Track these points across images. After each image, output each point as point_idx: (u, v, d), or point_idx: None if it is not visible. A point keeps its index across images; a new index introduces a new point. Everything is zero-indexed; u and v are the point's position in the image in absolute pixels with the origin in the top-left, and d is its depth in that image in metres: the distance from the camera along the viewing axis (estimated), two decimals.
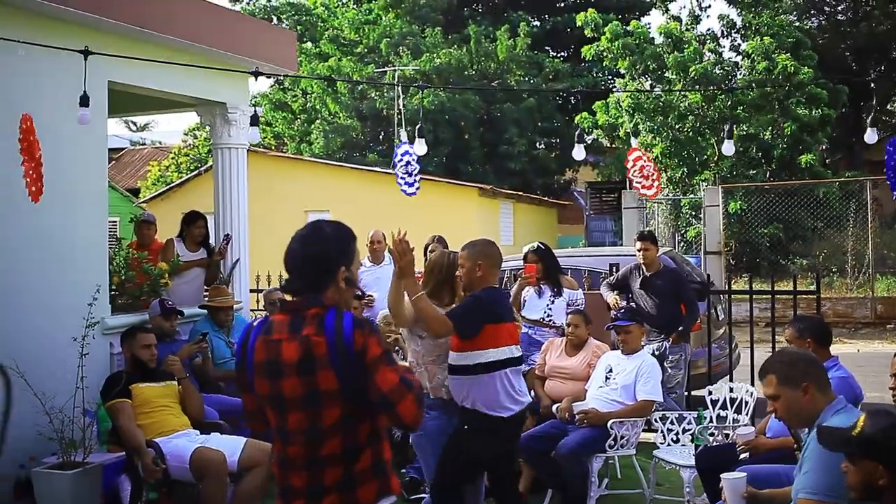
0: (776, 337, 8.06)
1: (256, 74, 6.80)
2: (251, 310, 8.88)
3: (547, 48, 33.29)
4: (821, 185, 19.17)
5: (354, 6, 32.66)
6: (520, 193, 23.51)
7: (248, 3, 30.48)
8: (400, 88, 25.51)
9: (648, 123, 20.85)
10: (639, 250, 8.19)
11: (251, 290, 8.91)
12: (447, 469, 4.91)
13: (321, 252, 3.00)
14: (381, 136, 27.74)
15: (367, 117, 26.75)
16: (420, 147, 7.26)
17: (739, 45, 23.06)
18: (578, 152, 7.52)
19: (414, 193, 7.70)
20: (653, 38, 22.57)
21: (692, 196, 20.23)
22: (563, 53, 33.92)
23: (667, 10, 24.20)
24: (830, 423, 3.50)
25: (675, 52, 20.79)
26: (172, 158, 26.61)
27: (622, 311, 6.98)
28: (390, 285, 4.76)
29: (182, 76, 7.63)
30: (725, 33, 23.50)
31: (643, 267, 8.20)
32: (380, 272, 8.95)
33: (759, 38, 21.02)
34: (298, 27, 29.68)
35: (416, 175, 7.51)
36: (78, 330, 6.13)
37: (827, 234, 19.29)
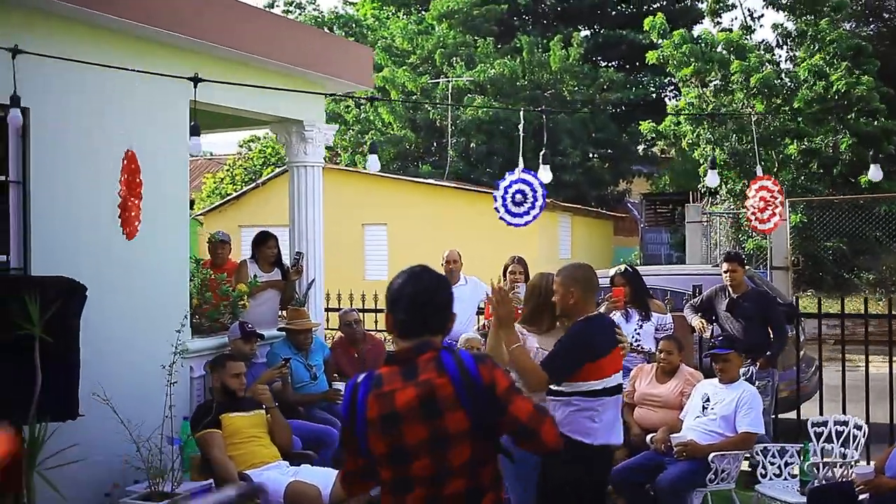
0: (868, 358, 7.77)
1: (345, 97, 6.64)
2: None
3: (597, 59, 33.04)
4: (883, 202, 18.74)
5: (405, 17, 32.63)
6: (577, 206, 23.24)
7: (298, 15, 30.53)
8: (450, 99, 25.45)
9: (709, 135, 20.50)
10: (725, 272, 7.93)
11: (325, 310, 8.78)
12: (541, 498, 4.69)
13: (441, 298, 2.98)
14: (433, 147, 27.64)
15: (420, 128, 26.65)
16: (546, 174, 7.13)
17: (795, 54, 22.60)
18: (712, 179, 7.34)
19: (523, 225, 7.40)
20: (718, 45, 22.22)
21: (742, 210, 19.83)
22: (613, 63, 33.65)
23: (718, 23, 23.79)
24: None
25: (738, 61, 20.41)
26: (227, 170, 26.68)
27: (720, 338, 6.72)
28: (490, 334, 4.58)
29: (261, 94, 7.52)
30: (781, 42, 23.03)
31: (730, 289, 7.94)
32: (456, 292, 8.70)
33: (813, 54, 20.58)
34: (350, 38, 29.67)
35: (531, 205, 7.24)
36: (161, 355, 6.02)
37: (893, 247, 18.81)
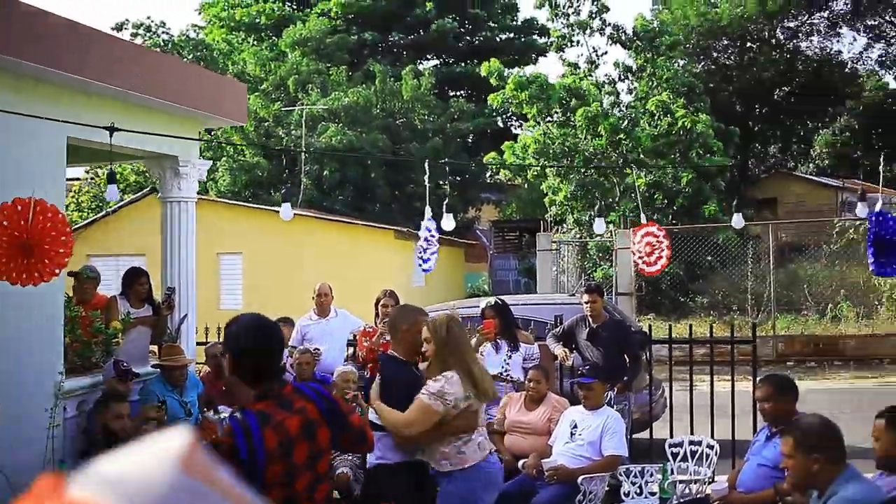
0: (714, 379, 8.42)
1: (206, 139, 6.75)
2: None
3: (446, 88, 33.85)
4: (720, 231, 20.04)
5: (256, 43, 32.50)
6: None
7: (148, 38, 29.92)
8: (304, 127, 25.51)
9: (554, 167, 21.40)
10: (586, 302, 8.42)
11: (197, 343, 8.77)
12: None
13: (282, 340, 3.76)
14: (285, 175, 27.58)
15: (273, 155, 26.59)
16: (448, 223, 7.50)
17: (635, 87, 23.89)
18: (599, 226, 7.79)
19: (428, 270, 7.88)
20: (553, 85, 23.21)
21: (599, 238, 20.80)
22: (461, 93, 34.56)
23: (564, 59, 24.89)
24: (845, 491, 3.75)
25: (581, 105, 21.42)
26: (72, 196, 25.74)
27: (586, 367, 7.17)
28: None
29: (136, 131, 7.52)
30: (622, 77, 24.33)
31: (590, 318, 8.44)
32: (326, 325, 8.95)
33: (652, 90, 21.85)
34: (200, 63, 29.28)
35: (431, 251, 7.57)
36: (35, 396, 5.95)
37: (725, 274, 20.11)
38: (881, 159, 23.37)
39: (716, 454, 6.57)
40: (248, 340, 3.41)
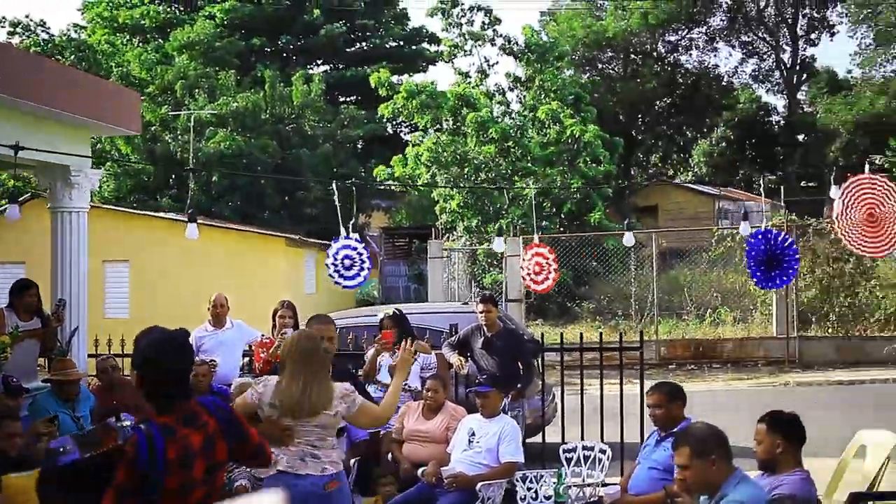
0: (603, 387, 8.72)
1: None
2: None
3: (336, 94, 33.82)
4: (608, 238, 20.66)
5: (141, 45, 31.78)
6: (323, 242, 23.63)
7: (26, 38, 28.91)
8: (192, 132, 25.09)
9: (445, 175, 21.66)
10: (481, 312, 8.60)
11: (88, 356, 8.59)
12: None
13: (188, 359, 3.67)
14: (171, 180, 27.06)
15: (159, 160, 26.05)
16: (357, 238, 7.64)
17: (524, 96, 24.38)
18: (498, 245, 7.92)
19: (359, 285, 7.94)
20: (444, 93, 23.49)
21: (488, 245, 21.15)
22: (351, 99, 34.58)
23: (456, 67, 25.25)
24: (735, 493, 4.01)
25: (472, 112, 21.75)
26: None
27: (484, 376, 7.34)
28: (397, 385, 5.08)
29: (26, 138, 7.35)
30: (512, 87, 24.81)
31: (484, 328, 8.63)
32: (222, 336, 8.88)
33: (541, 100, 22.36)
34: (82, 63, 28.46)
35: (360, 267, 7.60)
36: None
37: (610, 280, 20.73)
38: (761, 175, 24.42)
39: (608, 458, 6.83)
40: (155, 356, 3.46)
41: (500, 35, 23.56)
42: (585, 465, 6.96)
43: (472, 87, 23.02)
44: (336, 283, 7.94)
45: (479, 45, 23.56)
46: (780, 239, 7.69)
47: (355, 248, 7.76)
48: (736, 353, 16.75)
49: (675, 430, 5.87)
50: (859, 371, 15.45)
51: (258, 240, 18.91)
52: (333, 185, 8.29)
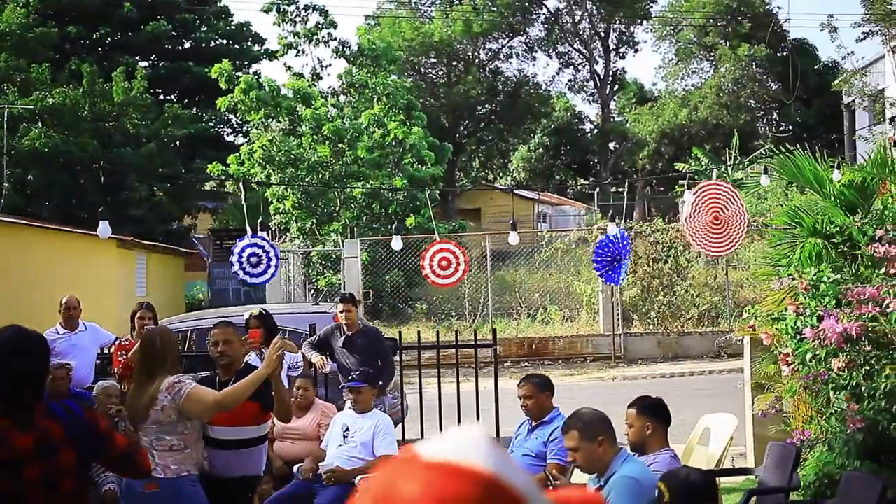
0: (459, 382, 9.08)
1: None
2: None
3: (158, 91, 32.80)
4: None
5: None
6: (154, 244, 22.96)
7: None
8: (5, 128, 23.72)
9: (280, 175, 21.55)
10: (342, 311, 8.77)
11: None
12: None
13: (42, 357, 3.57)
14: None
15: None
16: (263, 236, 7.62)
17: (354, 101, 24.58)
18: (396, 243, 7.95)
19: (266, 282, 7.84)
20: (279, 90, 23.36)
21: (323, 247, 21.20)
22: (173, 97, 33.66)
23: (289, 67, 25.13)
24: (622, 470, 4.38)
25: (307, 108, 21.74)
26: None
27: (358, 373, 7.51)
28: (253, 378, 4.93)
29: None
30: (345, 90, 24.95)
31: (345, 327, 8.80)
32: (75, 339, 8.68)
33: (373, 105, 22.66)
34: None
35: (267, 264, 7.51)
36: None
37: None
38: (575, 180, 25.63)
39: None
40: (9, 354, 3.41)
41: (335, 38, 23.67)
42: None
43: (308, 86, 23.00)
44: (242, 280, 7.96)
45: (314, 46, 23.57)
46: (623, 239, 8.27)
47: (262, 246, 7.75)
48: (566, 350, 17.58)
49: (546, 418, 6.28)
50: (679, 364, 16.59)
51: (89, 242, 18.14)
52: (240, 185, 8.17)
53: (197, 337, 9.43)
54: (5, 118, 23.72)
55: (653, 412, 5.15)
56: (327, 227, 21.40)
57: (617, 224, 7.81)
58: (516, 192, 39.21)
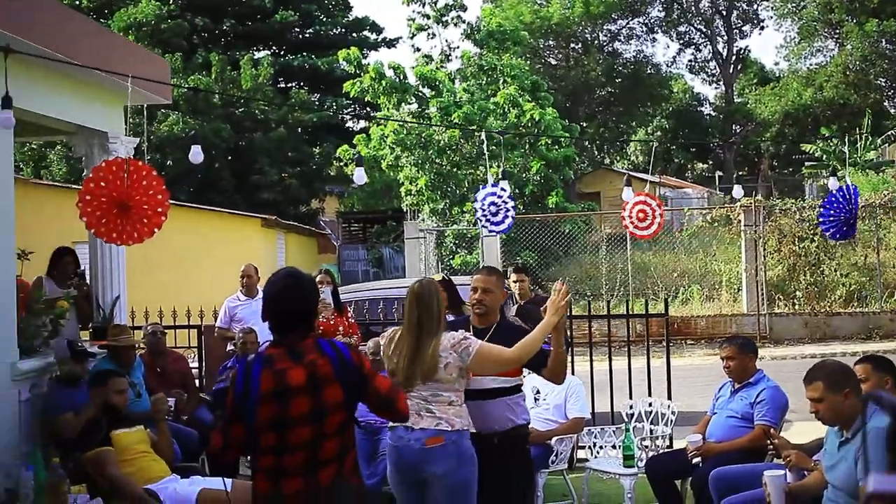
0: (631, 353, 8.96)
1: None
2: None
3: (281, 80, 33.48)
4: (564, 222, 21.03)
5: None
6: (293, 224, 23.53)
7: None
8: (145, 114, 24.50)
9: (411, 157, 21.69)
10: (515, 281, 8.77)
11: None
12: None
13: (317, 296, 3.73)
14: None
15: None
16: (506, 186, 7.87)
17: (482, 83, 24.50)
18: (360, 176, 7.69)
19: (506, 230, 8.03)
20: (405, 74, 23.49)
21: (457, 227, 21.27)
22: (293, 85, 34.27)
23: (417, 49, 25.23)
24: (875, 421, 4.22)
25: (435, 95, 21.84)
26: None
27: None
28: (542, 328, 4.75)
29: (64, 101, 7.21)
30: (472, 73, 24.91)
31: (517, 296, 8.80)
32: (255, 305, 8.84)
33: (498, 88, 22.56)
34: None
35: (505, 213, 7.65)
36: None
37: (579, 260, 21.10)
38: (695, 163, 25.06)
39: (673, 414, 7.04)
40: (279, 293, 3.58)
41: (464, 21, 23.73)
42: (647, 420, 7.16)
43: (435, 70, 23.09)
44: (484, 228, 8.11)
45: (443, 28, 23.67)
46: (853, 193, 7.97)
47: (500, 196, 7.82)
48: (709, 330, 17.23)
49: (751, 380, 6.14)
50: (828, 346, 16.05)
51: (235, 220, 18.79)
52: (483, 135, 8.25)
53: (369, 306, 9.60)
54: (145, 106, 24.51)
55: (889, 367, 4.97)
56: (459, 207, 21.44)
57: (839, 177, 7.53)
58: (636, 175, 38.62)
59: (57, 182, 21.79)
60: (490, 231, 8.21)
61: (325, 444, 3.44)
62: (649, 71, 41.54)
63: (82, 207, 5.70)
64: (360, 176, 7.37)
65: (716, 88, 46.09)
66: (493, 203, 8.01)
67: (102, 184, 5.68)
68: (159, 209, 5.88)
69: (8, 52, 5.46)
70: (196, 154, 6.94)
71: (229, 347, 8.58)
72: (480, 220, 8.15)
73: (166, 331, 8.14)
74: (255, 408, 3.41)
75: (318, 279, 8.34)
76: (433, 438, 4.42)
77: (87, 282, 7.97)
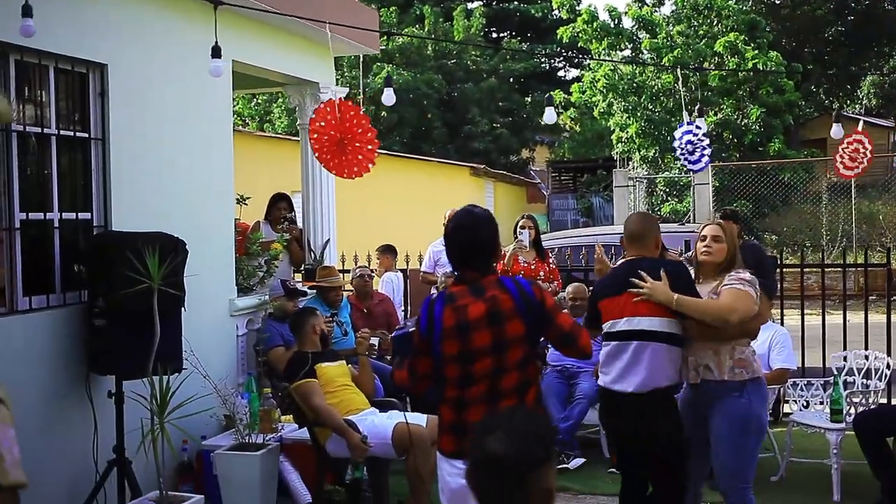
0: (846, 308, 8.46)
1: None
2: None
3: (492, 29, 33.55)
4: (786, 169, 20.00)
5: None
6: (502, 173, 23.77)
7: None
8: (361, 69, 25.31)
9: (623, 103, 21.27)
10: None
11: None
12: None
13: (493, 233, 3.67)
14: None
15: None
16: (702, 123, 7.83)
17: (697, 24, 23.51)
18: (549, 115, 7.51)
19: (702, 169, 8.09)
20: (620, 17, 22.94)
21: (668, 174, 20.75)
22: (504, 34, 34.25)
23: None
24: None
25: (648, 37, 21.23)
26: None
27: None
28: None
29: (278, 53, 7.57)
30: (687, 16, 23.97)
31: None
32: None
33: (713, 27, 21.56)
34: None
35: (701, 151, 7.69)
36: (213, 312, 6.16)
37: (798, 209, 20.07)
38: None
39: (888, 368, 6.63)
40: (453, 230, 3.67)
41: None
42: (860, 374, 6.78)
43: (651, 13, 22.43)
44: (683, 164, 8.09)
45: None
46: None
47: (696, 134, 7.71)
48: None
49: None
50: None
51: (443, 169, 19.20)
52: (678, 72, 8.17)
53: (572, 252, 9.59)
54: (361, 58, 25.32)
55: None
56: (671, 154, 20.85)
57: None
58: (868, 119, 36.07)
59: (278, 134, 22.96)
60: (690, 168, 7.98)
61: (506, 377, 3.51)
62: (887, 6, 38.27)
63: (314, 146, 6.26)
64: (549, 115, 7.37)
65: None
66: (689, 141, 7.76)
67: (321, 123, 6.15)
68: (370, 146, 6.34)
69: (218, 3, 5.79)
70: (388, 97, 7.10)
71: (433, 291, 8.82)
72: (679, 159, 7.94)
73: (373, 273, 8.46)
74: (440, 343, 3.54)
75: (520, 224, 8.42)
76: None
77: (298, 226, 8.40)
